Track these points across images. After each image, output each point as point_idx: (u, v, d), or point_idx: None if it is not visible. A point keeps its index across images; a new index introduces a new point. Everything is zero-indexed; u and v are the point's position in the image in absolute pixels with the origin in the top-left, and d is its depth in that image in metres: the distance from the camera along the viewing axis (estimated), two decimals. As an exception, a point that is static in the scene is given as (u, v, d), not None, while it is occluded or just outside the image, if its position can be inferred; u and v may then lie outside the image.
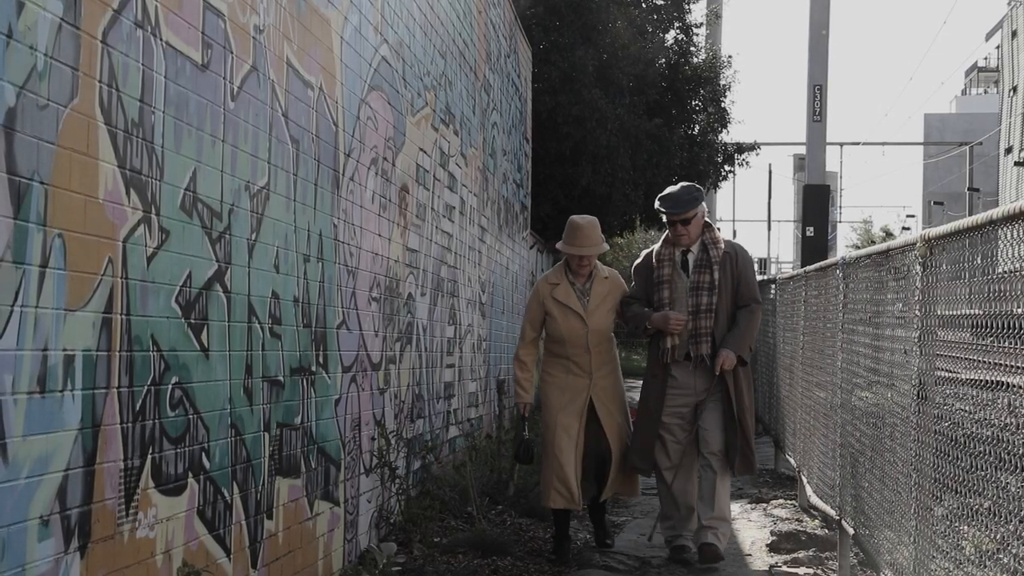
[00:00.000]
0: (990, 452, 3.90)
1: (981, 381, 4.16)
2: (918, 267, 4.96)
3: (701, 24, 24.77)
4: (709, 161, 23.42)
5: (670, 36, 23.56)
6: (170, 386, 4.41)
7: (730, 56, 23.83)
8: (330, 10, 6.38)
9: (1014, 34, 55.14)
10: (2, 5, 3.33)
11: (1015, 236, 3.67)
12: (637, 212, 22.47)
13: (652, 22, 23.19)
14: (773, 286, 12.46)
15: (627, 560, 7.60)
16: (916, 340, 4.97)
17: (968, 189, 58.36)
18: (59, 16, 3.61)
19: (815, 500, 8.43)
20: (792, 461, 10.29)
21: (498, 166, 12.94)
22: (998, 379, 3.98)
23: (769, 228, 71.82)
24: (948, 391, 4.89)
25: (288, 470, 5.75)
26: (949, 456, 4.42)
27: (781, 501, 9.80)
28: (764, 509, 9.51)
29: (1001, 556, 3.86)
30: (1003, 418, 3.96)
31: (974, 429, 4.21)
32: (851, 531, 6.72)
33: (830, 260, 8.50)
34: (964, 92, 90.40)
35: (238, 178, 5.06)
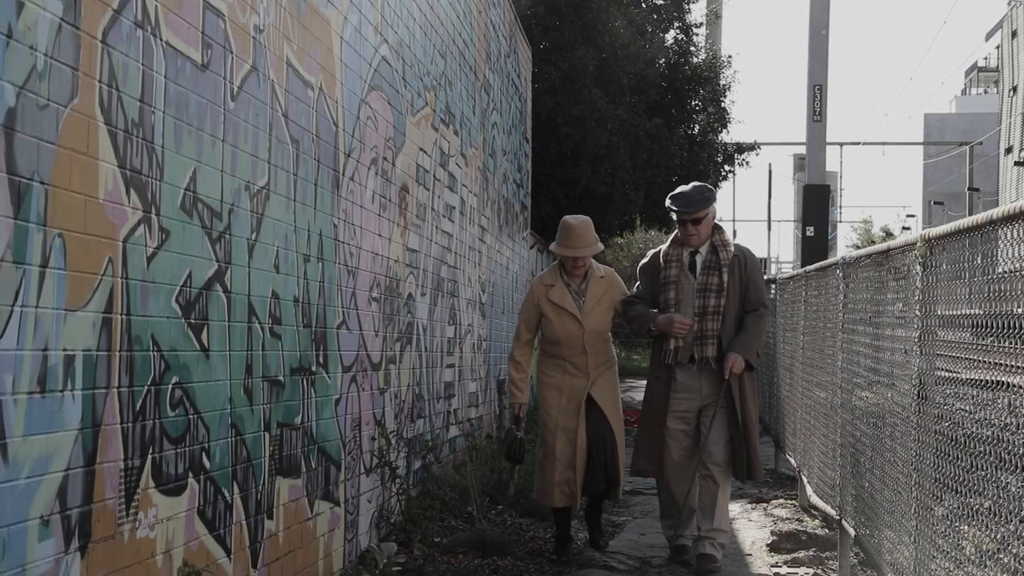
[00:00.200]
0: (990, 452, 3.90)
1: (981, 381, 4.16)
2: (918, 267, 4.96)
3: (701, 24, 24.81)
4: (709, 161, 23.44)
5: (670, 36, 23.60)
6: (170, 386, 4.41)
7: (730, 56, 23.88)
8: (330, 10, 6.38)
9: (1014, 34, 55.14)
10: (2, 5, 3.32)
11: (1015, 236, 3.67)
12: (637, 212, 22.49)
13: (652, 22, 23.22)
14: (773, 286, 12.46)
15: (627, 560, 7.60)
16: (916, 340, 4.97)
17: (968, 189, 58.35)
18: (59, 16, 3.61)
19: (815, 500, 8.42)
20: (792, 461, 10.30)
21: (498, 166, 12.94)
22: (998, 379, 3.98)
23: (769, 228, 71.85)
24: (948, 391, 4.88)
25: (288, 470, 5.75)
26: (949, 456, 4.42)
27: (781, 501, 9.80)
28: (764, 509, 9.51)
29: (1001, 556, 3.86)
30: (1003, 418, 3.96)
31: (974, 429, 4.21)
32: (851, 531, 6.72)
33: (830, 260, 8.49)
34: (964, 92, 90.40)
35: (238, 178, 5.06)
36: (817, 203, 23.25)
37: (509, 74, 13.85)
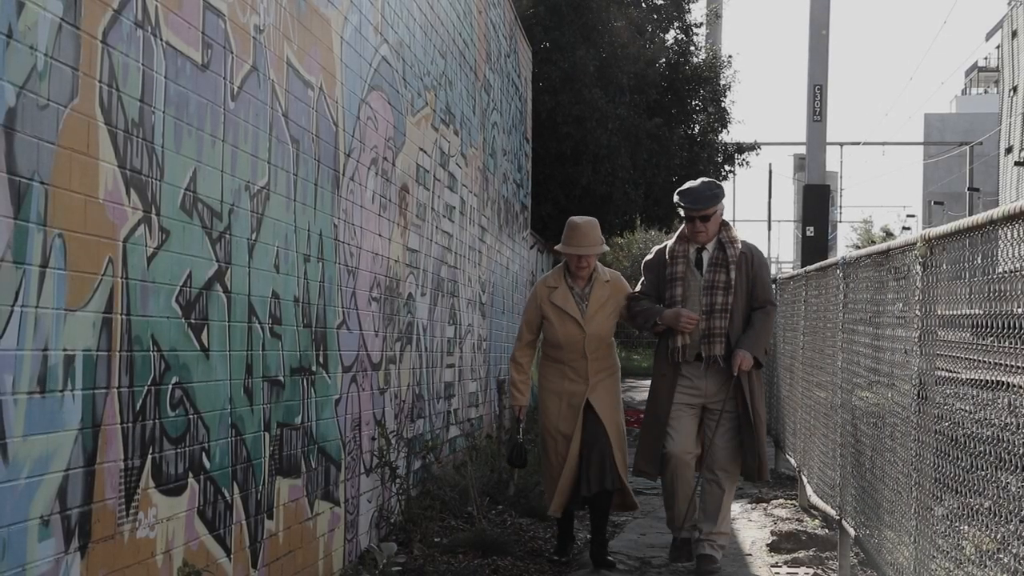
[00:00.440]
0: (990, 452, 3.90)
1: (981, 381, 4.16)
2: (918, 267, 4.96)
3: (701, 24, 24.79)
4: (709, 161, 23.43)
5: (670, 36, 23.59)
6: (170, 386, 4.41)
7: (730, 56, 23.86)
8: (330, 10, 6.38)
9: (1014, 34, 55.14)
10: (2, 5, 3.33)
11: (1015, 236, 3.67)
12: (637, 212, 22.49)
13: (652, 22, 23.22)
14: (773, 286, 12.47)
15: (627, 560, 7.60)
16: (916, 340, 4.97)
17: (968, 189, 58.35)
18: (59, 16, 3.61)
19: (815, 500, 8.43)
20: (792, 461, 10.30)
21: (498, 166, 12.95)
22: (998, 379, 3.98)
23: (769, 228, 71.79)
24: (948, 391, 4.88)
25: (288, 470, 5.75)
26: (949, 456, 4.42)
27: (781, 501, 9.80)
28: (764, 509, 9.52)
29: (1001, 556, 3.87)
30: (1003, 418, 3.96)
31: (974, 429, 4.21)
32: (851, 531, 6.72)
33: (830, 260, 8.49)
34: (964, 92, 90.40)
35: (238, 178, 5.06)
36: (817, 203, 23.25)
37: (509, 74, 13.85)
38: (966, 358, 4.94)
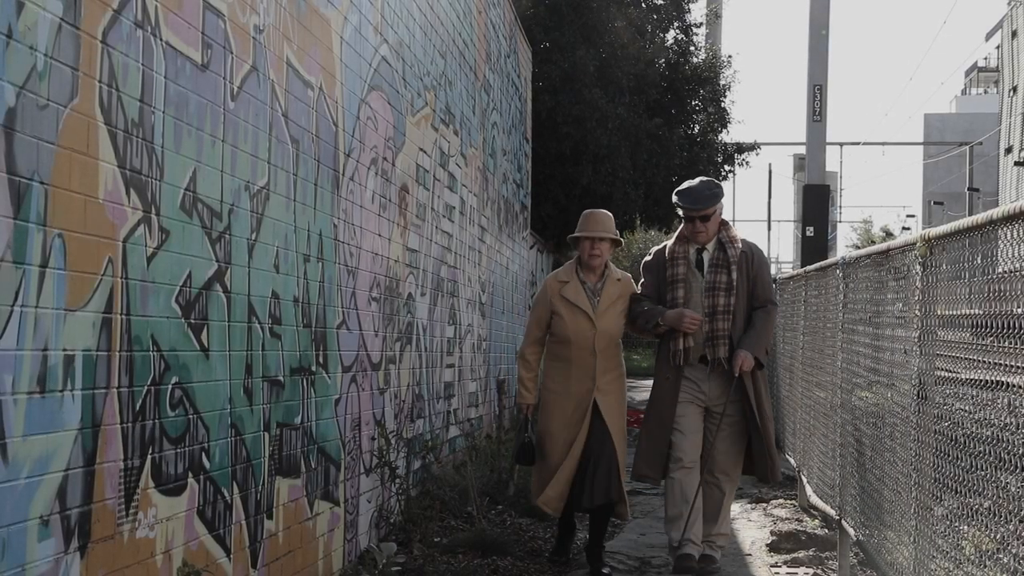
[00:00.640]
0: (990, 452, 3.90)
1: (981, 381, 4.16)
2: (918, 267, 4.96)
3: (701, 24, 24.81)
4: (709, 161, 23.45)
5: (670, 36, 23.61)
6: (170, 386, 4.41)
7: (730, 56, 23.88)
8: (330, 10, 6.38)
9: (1014, 34, 55.16)
10: (2, 5, 3.33)
11: (1015, 236, 3.67)
12: (637, 212, 22.50)
13: (652, 22, 23.23)
14: (773, 286, 12.47)
15: (627, 560, 7.60)
16: (916, 340, 4.97)
17: (968, 189, 58.35)
18: (59, 16, 3.61)
19: (815, 500, 8.43)
20: (792, 461, 10.30)
21: (498, 166, 12.95)
22: (998, 379, 3.98)
23: (769, 228, 71.83)
24: (948, 391, 4.89)
25: (288, 470, 5.75)
26: (949, 456, 4.42)
27: (781, 501, 9.80)
28: (764, 509, 9.52)
29: (1001, 556, 3.87)
30: (1003, 418, 3.96)
31: (974, 429, 4.21)
32: (851, 531, 6.72)
33: (830, 260, 8.48)
34: (964, 92, 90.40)
35: (238, 178, 5.06)
36: (817, 203, 23.24)
37: (509, 74, 13.85)
38: (966, 358, 4.94)
